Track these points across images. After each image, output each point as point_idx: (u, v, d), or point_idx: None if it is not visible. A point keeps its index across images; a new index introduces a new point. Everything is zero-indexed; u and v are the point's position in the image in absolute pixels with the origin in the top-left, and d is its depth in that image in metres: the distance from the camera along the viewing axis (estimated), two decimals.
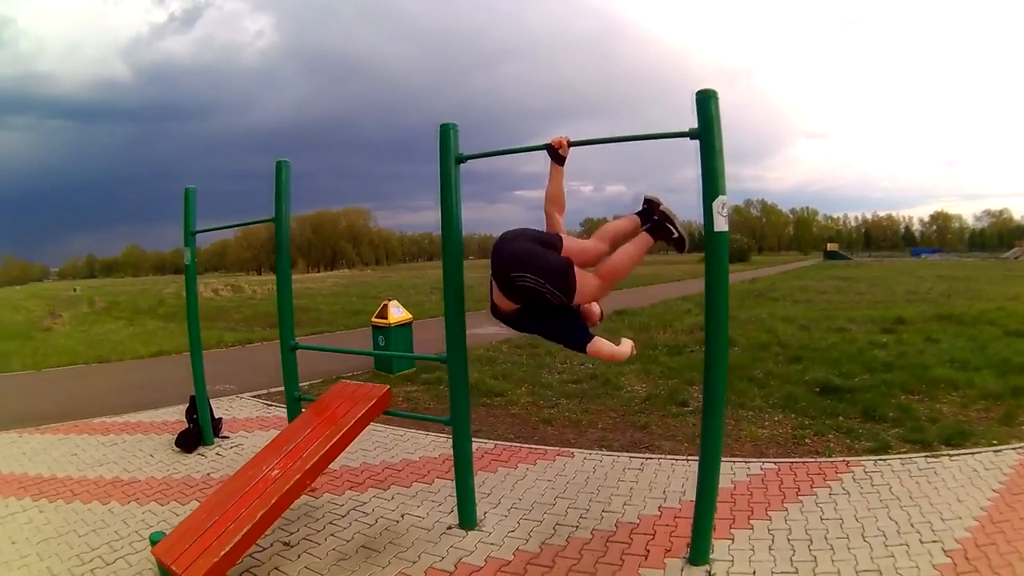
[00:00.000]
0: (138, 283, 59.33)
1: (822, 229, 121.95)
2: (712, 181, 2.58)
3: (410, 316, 8.15)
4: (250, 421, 5.81)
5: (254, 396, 6.74)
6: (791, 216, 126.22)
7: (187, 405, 5.22)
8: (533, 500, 3.62)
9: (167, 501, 3.88)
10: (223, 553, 2.51)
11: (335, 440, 2.97)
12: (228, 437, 5.29)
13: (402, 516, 3.51)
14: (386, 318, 7.87)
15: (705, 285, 2.72)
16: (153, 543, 2.86)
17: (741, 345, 8.29)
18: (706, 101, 2.59)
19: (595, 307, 2.98)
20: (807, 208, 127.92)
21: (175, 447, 4.98)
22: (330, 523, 3.48)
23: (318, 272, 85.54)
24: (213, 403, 5.80)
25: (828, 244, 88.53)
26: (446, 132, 3.20)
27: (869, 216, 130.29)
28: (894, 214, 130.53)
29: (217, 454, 4.85)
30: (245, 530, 2.61)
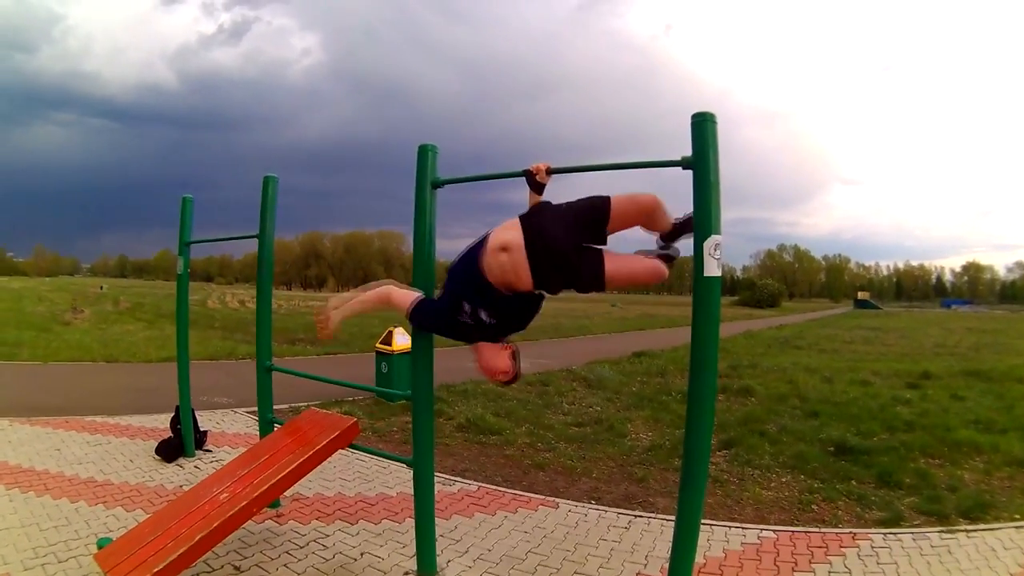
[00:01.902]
0: (167, 287, 60.53)
1: (854, 277, 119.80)
2: (705, 218, 2.24)
3: None
4: (237, 437, 5.65)
5: (248, 412, 6.57)
6: (823, 263, 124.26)
7: (173, 414, 5.10)
8: (503, 552, 3.34)
9: (133, 508, 3.76)
10: (156, 570, 2.43)
11: (288, 471, 2.79)
12: (211, 451, 5.13)
13: (361, 554, 3.28)
14: (390, 344, 7.65)
15: (692, 337, 2.31)
16: (100, 547, 2.83)
17: (759, 395, 7.94)
18: (703, 125, 2.24)
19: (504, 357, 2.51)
20: (839, 255, 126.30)
21: (155, 455, 4.84)
22: (287, 552, 3.27)
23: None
24: (206, 415, 5.68)
25: (859, 292, 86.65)
26: (423, 153, 2.89)
27: (901, 265, 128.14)
28: (926, 264, 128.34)
29: (195, 467, 4.69)
30: (181, 551, 2.51)
